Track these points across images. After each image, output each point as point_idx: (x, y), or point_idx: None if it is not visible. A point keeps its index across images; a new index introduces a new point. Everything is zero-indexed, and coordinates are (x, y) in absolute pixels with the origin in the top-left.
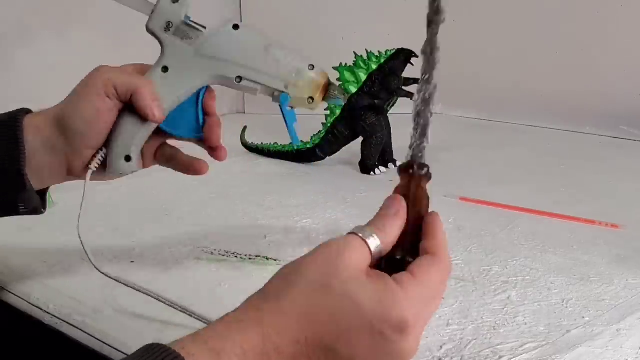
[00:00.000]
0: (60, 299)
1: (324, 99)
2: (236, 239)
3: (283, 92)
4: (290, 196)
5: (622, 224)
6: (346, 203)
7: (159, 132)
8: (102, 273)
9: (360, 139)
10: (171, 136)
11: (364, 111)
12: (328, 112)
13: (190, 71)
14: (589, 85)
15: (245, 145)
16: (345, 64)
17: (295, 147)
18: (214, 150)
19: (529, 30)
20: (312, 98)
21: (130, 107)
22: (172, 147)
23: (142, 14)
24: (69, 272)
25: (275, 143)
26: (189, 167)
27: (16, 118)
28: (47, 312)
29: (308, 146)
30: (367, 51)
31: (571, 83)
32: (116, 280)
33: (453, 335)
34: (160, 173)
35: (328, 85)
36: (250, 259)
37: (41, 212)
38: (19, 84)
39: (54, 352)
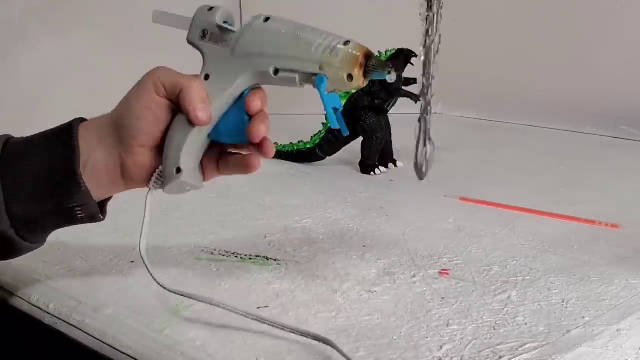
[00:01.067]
0: (60, 299)
1: (365, 75)
2: (236, 239)
3: (318, 74)
4: (290, 196)
5: (622, 224)
6: (346, 203)
7: (215, 143)
8: (165, 288)
9: (360, 139)
10: (222, 145)
11: (364, 111)
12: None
13: (229, 73)
14: (589, 85)
15: None
16: None
17: (295, 147)
18: (258, 147)
19: (528, 30)
20: (350, 75)
21: (181, 113)
22: (234, 153)
23: (181, 29)
24: (69, 272)
25: (276, 143)
26: (245, 164)
27: (71, 125)
28: (47, 312)
29: (308, 146)
30: None
31: (571, 83)
32: (180, 294)
33: (453, 335)
34: None
35: (368, 60)
36: (250, 259)
37: (100, 219)
38: (19, 84)
39: (54, 352)
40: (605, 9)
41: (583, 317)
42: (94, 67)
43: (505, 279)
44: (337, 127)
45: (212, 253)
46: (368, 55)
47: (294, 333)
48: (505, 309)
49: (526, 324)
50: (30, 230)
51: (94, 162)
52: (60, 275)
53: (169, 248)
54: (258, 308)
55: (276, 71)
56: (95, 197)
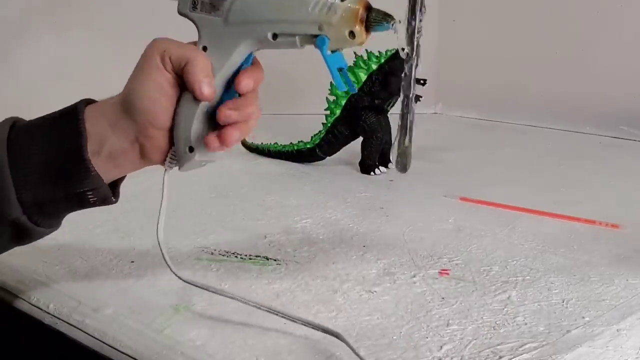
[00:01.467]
0: (60, 299)
1: (367, 29)
2: (236, 239)
3: (319, 34)
4: (290, 196)
5: (622, 224)
6: (346, 203)
7: None
8: (181, 279)
9: (360, 139)
10: None
11: (364, 111)
12: (328, 112)
13: (226, 43)
14: (589, 85)
15: (245, 145)
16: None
17: (295, 147)
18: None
19: (529, 30)
20: (352, 32)
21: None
22: None
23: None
24: (69, 272)
25: (275, 143)
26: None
27: (76, 107)
28: (47, 312)
29: (308, 146)
30: (367, 51)
31: (571, 83)
32: (194, 285)
33: (453, 335)
34: (160, 172)
35: (368, 13)
36: (250, 259)
37: (113, 202)
38: (19, 84)
39: (54, 352)
40: (605, 9)
41: (583, 317)
42: (94, 67)
43: (505, 279)
44: (345, 89)
45: (212, 253)
46: (368, 8)
47: (305, 325)
48: (505, 309)
49: (526, 324)
50: (43, 215)
51: (110, 148)
52: (60, 275)
53: (169, 248)
54: (258, 308)
55: (275, 36)
56: (110, 178)
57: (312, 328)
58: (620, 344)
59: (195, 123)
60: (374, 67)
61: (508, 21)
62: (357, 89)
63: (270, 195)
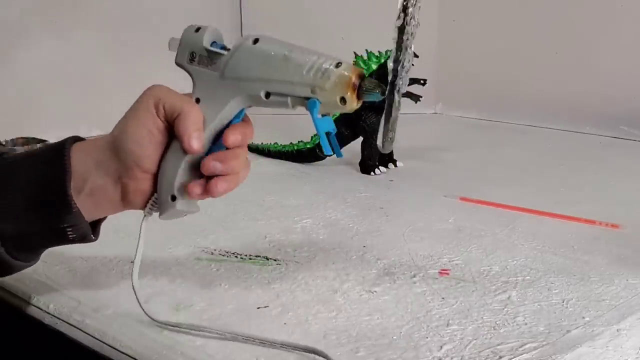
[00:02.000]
0: (60, 299)
1: (359, 97)
2: (236, 239)
3: (311, 97)
4: (290, 196)
5: (622, 224)
6: (346, 203)
7: None
8: (157, 322)
9: (360, 139)
10: None
11: (364, 111)
12: None
13: (219, 97)
14: (589, 85)
15: None
16: None
17: (295, 147)
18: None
19: (529, 30)
20: (343, 98)
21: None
22: None
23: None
24: (69, 272)
25: (275, 143)
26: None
27: (63, 143)
28: (47, 312)
29: (308, 146)
30: (367, 51)
31: (571, 83)
32: (171, 328)
33: (453, 335)
34: None
35: (361, 81)
36: (250, 259)
37: (92, 240)
38: (19, 84)
39: (54, 352)
40: (605, 9)
41: (583, 317)
42: (94, 67)
43: (505, 279)
44: (330, 153)
45: (212, 253)
46: (361, 77)
47: (283, 348)
48: (505, 309)
49: (526, 324)
50: (20, 249)
51: (92, 186)
52: (60, 275)
53: (169, 248)
54: (258, 308)
55: (267, 95)
56: (90, 217)
57: (292, 350)
58: (620, 344)
59: (180, 172)
60: (374, 67)
61: (508, 21)
62: (342, 155)
63: (270, 195)
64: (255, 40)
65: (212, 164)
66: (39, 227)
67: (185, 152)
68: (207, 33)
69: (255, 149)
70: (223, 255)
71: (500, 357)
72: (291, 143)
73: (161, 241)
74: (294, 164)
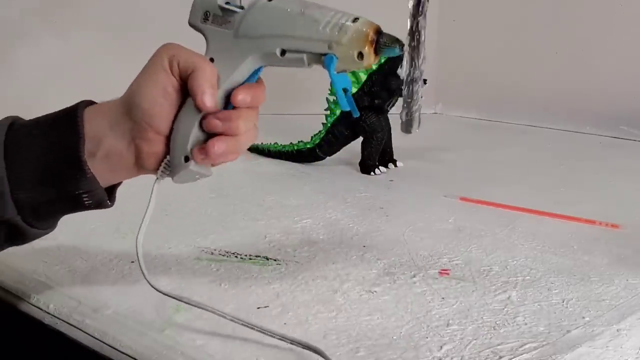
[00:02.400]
0: (60, 299)
1: (376, 52)
2: (236, 239)
3: (327, 53)
4: (290, 196)
5: (622, 224)
6: (346, 203)
7: None
8: (155, 289)
9: (360, 139)
10: None
11: (364, 111)
12: (328, 112)
13: (233, 57)
14: (589, 85)
15: None
16: None
17: (295, 147)
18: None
19: (529, 30)
20: (361, 54)
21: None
22: None
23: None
24: (69, 272)
25: (275, 143)
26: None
27: (76, 108)
28: (47, 312)
29: (308, 146)
30: None
31: (571, 83)
32: (169, 296)
33: (453, 335)
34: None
35: (378, 36)
36: (250, 259)
37: (108, 206)
38: (19, 84)
39: (54, 352)
40: (605, 9)
41: (583, 317)
42: (94, 67)
43: (505, 279)
44: (348, 108)
45: (212, 253)
46: (378, 32)
47: (283, 340)
48: (505, 309)
49: (526, 324)
50: (37, 217)
51: (107, 149)
52: (60, 275)
53: (169, 248)
54: (258, 308)
55: (283, 52)
56: (105, 182)
57: (290, 343)
58: (620, 344)
59: (193, 132)
60: (374, 67)
61: (508, 21)
62: (358, 113)
63: (270, 195)
64: None
65: (213, 122)
66: (54, 195)
67: (199, 110)
68: None
69: (255, 149)
70: (223, 255)
71: (500, 357)
72: (291, 143)
73: (161, 241)
74: (294, 164)
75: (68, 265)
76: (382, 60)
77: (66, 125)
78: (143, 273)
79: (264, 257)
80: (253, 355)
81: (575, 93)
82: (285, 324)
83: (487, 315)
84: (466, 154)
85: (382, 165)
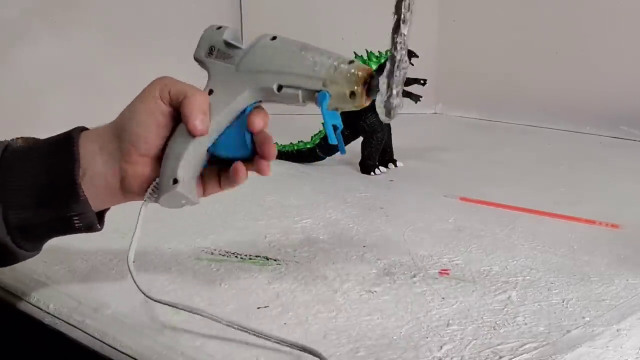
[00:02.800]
0: (60, 299)
1: (368, 93)
2: (236, 239)
3: (321, 90)
4: (290, 196)
5: (622, 224)
6: (346, 203)
7: (215, 159)
8: (151, 299)
9: (360, 139)
10: (222, 160)
11: (364, 111)
12: None
13: (232, 89)
14: (589, 85)
15: None
16: None
17: (295, 147)
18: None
19: (529, 30)
20: (353, 93)
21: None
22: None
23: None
24: (69, 272)
25: (276, 143)
26: (257, 170)
27: (72, 132)
28: (47, 312)
29: (308, 146)
30: (367, 51)
31: (571, 83)
32: (164, 304)
33: (453, 335)
34: None
35: (371, 79)
36: (250, 259)
37: (98, 229)
38: (19, 84)
39: (54, 352)
40: (605, 9)
41: (583, 317)
42: (94, 67)
43: (505, 279)
44: (335, 143)
45: (212, 253)
46: (371, 75)
47: (279, 343)
48: (505, 309)
49: (526, 324)
50: (26, 237)
51: (92, 173)
52: (60, 275)
53: (169, 248)
54: (258, 308)
55: (279, 88)
56: (92, 207)
57: (288, 346)
58: (620, 344)
59: (184, 157)
60: (374, 67)
61: (508, 21)
62: (345, 152)
63: (270, 195)
64: (273, 38)
65: (271, 148)
66: (46, 216)
67: (191, 135)
68: (228, 30)
69: None
70: (223, 255)
71: (500, 357)
72: (291, 143)
73: (161, 241)
74: (294, 164)
75: (68, 265)
76: (383, 61)
77: (63, 150)
78: (140, 290)
79: (264, 257)
80: (253, 356)
81: (575, 93)
82: (285, 324)
83: (487, 315)
84: (466, 154)
85: (382, 165)
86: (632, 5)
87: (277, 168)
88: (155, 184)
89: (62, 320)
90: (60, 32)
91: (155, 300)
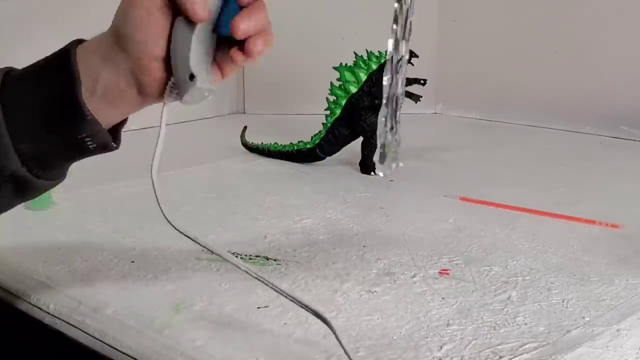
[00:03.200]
0: (60, 299)
1: None
2: (236, 239)
3: None
4: (290, 196)
5: (622, 224)
6: (346, 203)
7: (224, 39)
8: (177, 229)
9: (360, 139)
10: (231, 40)
11: (364, 111)
12: (328, 112)
13: None
14: (589, 85)
15: (245, 145)
16: (346, 64)
17: (295, 147)
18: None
19: (529, 30)
20: None
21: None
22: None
23: None
24: (69, 272)
25: (276, 143)
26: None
27: (68, 49)
28: (47, 312)
29: (308, 146)
30: (367, 51)
31: (571, 83)
32: (189, 237)
33: (453, 335)
34: (161, 173)
35: None
36: (250, 259)
37: (114, 148)
38: None
39: (54, 352)
40: (605, 9)
41: (583, 317)
42: None
43: (505, 279)
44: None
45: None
46: None
47: (294, 302)
48: (505, 309)
49: (526, 324)
50: (43, 166)
51: (104, 86)
52: (60, 275)
53: (169, 248)
54: (258, 308)
55: None
56: (109, 120)
57: (301, 307)
58: (620, 344)
59: (193, 48)
60: (374, 67)
61: (508, 21)
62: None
63: (270, 195)
64: None
65: (243, 26)
66: (56, 142)
67: (192, 23)
68: None
69: (255, 149)
70: None
71: (500, 357)
72: (291, 143)
73: (161, 241)
74: (294, 164)
75: (68, 265)
76: (383, 61)
77: (60, 68)
78: (161, 209)
79: (264, 257)
80: (253, 356)
81: (575, 93)
82: (285, 324)
83: (487, 315)
84: (466, 154)
85: None
86: (632, 6)
87: (277, 168)
88: (171, 83)
89: (62, 320)
90: (61, 31)
91: (179, 231)
